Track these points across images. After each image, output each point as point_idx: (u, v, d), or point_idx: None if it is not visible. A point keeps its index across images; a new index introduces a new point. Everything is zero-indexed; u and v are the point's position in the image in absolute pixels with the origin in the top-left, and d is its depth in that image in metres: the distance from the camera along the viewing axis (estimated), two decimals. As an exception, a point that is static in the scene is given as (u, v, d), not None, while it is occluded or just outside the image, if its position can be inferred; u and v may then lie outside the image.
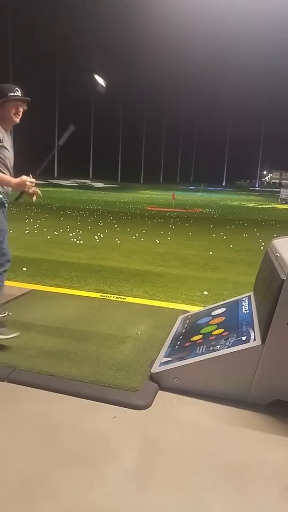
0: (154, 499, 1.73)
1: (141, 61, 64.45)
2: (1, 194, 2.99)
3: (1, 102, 2.87)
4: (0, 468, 1.86)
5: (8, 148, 2.95)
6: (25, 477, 1.81)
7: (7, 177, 2.93)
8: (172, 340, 3.08)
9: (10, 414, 2.27)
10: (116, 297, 4.45)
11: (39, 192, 3.02)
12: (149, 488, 1.80)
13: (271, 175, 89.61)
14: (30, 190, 2.96)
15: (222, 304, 3.49)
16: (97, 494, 1.74)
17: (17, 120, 2.99)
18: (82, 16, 57.92)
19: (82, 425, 2.20)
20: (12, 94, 2.89)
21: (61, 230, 9.65)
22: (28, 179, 2.92)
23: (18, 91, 2.92)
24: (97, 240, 8.61)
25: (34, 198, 3.04)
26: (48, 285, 4.82)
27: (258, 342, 2.44)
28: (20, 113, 2.98)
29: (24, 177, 2.92)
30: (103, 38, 60.33)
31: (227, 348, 2.54)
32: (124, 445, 2.07)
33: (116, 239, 8.74)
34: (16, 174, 3.01)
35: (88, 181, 51.53)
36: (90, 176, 62.12)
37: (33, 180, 2.94)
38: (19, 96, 2.93)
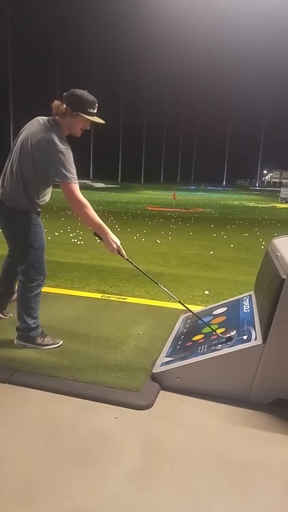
0: (155, 499, 1.73)
1: (142, 61, 64.49)
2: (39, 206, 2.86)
3: (76, 113, 2.69)
4: (1, 468, 1.86)
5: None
6: (27, 478, 1.81)
7: (107, 229, 2.89)
8: (173, 340, 3.08)
9: (12, 415, 2.27)
10: (117, 298, 4.45)
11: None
12: (151, 488, 1.79)
13: (271, 174, 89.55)
14: (110, 251, 2.92)
15: (223, 304, 3.49)
16: (98, 495, 1.74)
17: (79, 135, 2.83)
18: (82, 14, 57.96)
19: (83, 426, 2.20)
20: (91, 111, 2.71)
21: (61, 231, 9.65)
22: (116, 251, 2.94)
23: (96, 108, 2.74)
24: (98, 241, 8.58)
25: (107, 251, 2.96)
26: (49, 286, 4.81)
27: (259, 341, 2.44)
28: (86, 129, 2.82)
29: (119, 246, 2.94)
30: (104, 37, 60.36)
31: (228, 347, 2.54)
32: (126, 445, 2.07)
33: (117, 239, 8.73)
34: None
35: (88, 182, 51.47)
36: (91, 177, 62.13)
37: (116, 253, 2.96)
38: (95, 115, 2.75)
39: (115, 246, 2.90)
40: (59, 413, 2.31)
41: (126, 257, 2.94)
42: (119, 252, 2.92)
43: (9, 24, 51.66)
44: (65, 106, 2.70)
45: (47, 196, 2.95)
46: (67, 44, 55.68)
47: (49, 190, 2.96)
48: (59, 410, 2.34)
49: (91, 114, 2.74)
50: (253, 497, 1.78)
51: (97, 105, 2.76)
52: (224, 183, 79.58)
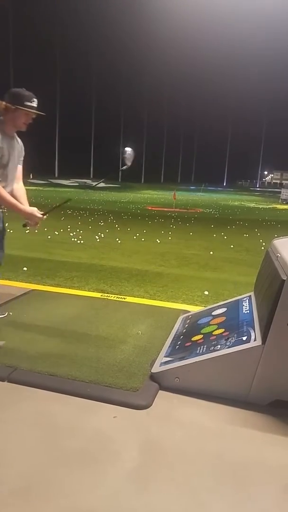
0: (154, 499, 1.73)
1: (142, 61, 64.45)
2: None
3: (15, 108, 2.88)
4: (0, 468, 1.86)
5: (5, 147, 2.95)
6: (26, 477, 1.81)
7: (19, 205, 3.04)
8: (172, 340, 3.08)
9: (11, 414, 2.27)
10: (117, 297, 4.45)
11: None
12: (150, 488, 1.79)
13: (272, 175, 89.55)
14: (35, 224, 3.10)
15: (222, 304, 3.49)
16: (97, 494, 1.74)
17: (24, 128, 3.02)
18: (82, 12, 57.89)
19: (82, 425, 2.20)
20: (28, 104, 2.90)
21: (61, 230, 9.65)
22: (38, 215, 3.06)
23: (35, 101, 2.94)
24: (98, 240, 8.61)
25: (35, 229, 3.20)
26: (48, 285, 4.82)
27: (259, 342, 2.44)
28: (29, 122, 3.02)
29: (35, 212, 3.06)
30: (104, 36, 60.32)
31: (227, 348, 2.54)
32: (125, 445, 2.07)
33: (117, 239, 8.74)
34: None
35: (89, 181, 51.48)
36: (91, 176, 62.11)
37: (42, 217, 3.07)
38: (34, 108, 2.94)
39: (38, 214, 3.07)
40: (58, 412, 2.31)
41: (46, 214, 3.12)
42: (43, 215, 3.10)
43: (10, 23, 51.64)
44: (4, 103, 2.89)
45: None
46: (67, 43, 55.63)
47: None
48: (58, 409, 2.34)
49: (30, 107, 2.93)
50: (251, 498, 1.78)
51: (35, 99, 2.94)
52: (224, 184, 79.53)
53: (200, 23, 66.18)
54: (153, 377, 2.64)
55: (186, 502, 1.73)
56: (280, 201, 34.64)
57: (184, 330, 3.20)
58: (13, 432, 2.12)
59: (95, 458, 1.96)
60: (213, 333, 2.85)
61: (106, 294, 4.55)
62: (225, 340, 2.66)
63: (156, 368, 2.68)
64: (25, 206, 3.11)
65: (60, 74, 58.92)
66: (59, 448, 2.02)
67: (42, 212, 3.09)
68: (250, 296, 3.34)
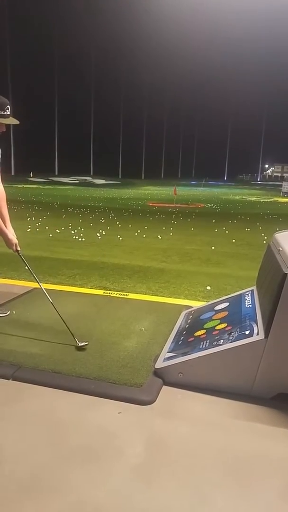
0: (159, 494, 1.74)
1: (142, 57, 64.14)
2: None
3: None
4: (7, 464, 1.88)
5: None
6: (32, 474, 1.83)
7: (4, 228, 3.19)
8: (175, 336, 3.09)
9: (16, 412, 2.29)
10: (119, 294, 4.46)
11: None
12: (154, 483, 1.81)
13: (273, 168, 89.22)
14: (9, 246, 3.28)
15: (225, 299, 3.49)
16: (102, 490, 1.75)
17: None
18: (82, 9, 57.60)
19: (87, 421, 2.22)
20: (1, 113, 2.92)
21: (63, 228, 9.66)
22: (13, 248, 3.25)
23: (8, 109, 2.95)
24: (99, 237, 8.61)
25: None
26: (51, 283, 4.83)
27: (261, 336, 2.45)
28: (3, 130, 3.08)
29: (14, 241, 3.22)
30: (104, 33, 60.01)
31: (230, 342, 2.55)
32: (129, 440, 2.08)
33: (118, 236, 8.74)
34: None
35: (89, 178, 51.41)
36: (91, 173, 62.02)
37: (14, 250, 3.28)
38: (7, 117, 2.97)
39: (13, 247, 3.26)
40: (63, 409, 2.32)
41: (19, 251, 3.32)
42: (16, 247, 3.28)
43: (7, 21, 51.41)
44: None
45: None
46: (66, 39, 55.35)
47: None
48: (63, 406, 2.35)
49: (4, 116, 2.96)
50: (255, 491, 1.79)
51: (8, 106, 2.96)
52: (225, 178, 79.27)
53: (201, 16, 65.76)
54: (157, 373, 2.65)
55: (190, 497, 1.74)
56: (281, 194, 34.52)
57: (187, 326, 3.21)
58: (19, 430, 2.14)
59: (100, 454, 1.97)
60: (215, 328, 2.86)
61: (108, 291, 4.56)
62: (227, 334, 2.66)
63: (159, 364, 2.69)
64: (8, 229, 3.25)
65: (59, 71, 58.73)
66: (65, 445, 2.03)
67: (18, 249, 3.27)
68: (252, 290, 3.34)
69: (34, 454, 1.96)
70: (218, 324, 2.92)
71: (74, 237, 8.58)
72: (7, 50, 52.11)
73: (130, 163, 69.65)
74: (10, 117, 3.02)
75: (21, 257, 3.33)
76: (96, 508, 1.66)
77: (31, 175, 42.19)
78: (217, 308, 3.30)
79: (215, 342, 2.63)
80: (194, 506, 1.69)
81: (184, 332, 3.09)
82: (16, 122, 3.02)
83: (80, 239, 8.32)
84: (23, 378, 2.59)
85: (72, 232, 9.19)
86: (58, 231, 9.16)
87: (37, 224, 10.14)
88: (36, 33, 52.59)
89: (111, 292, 4.54)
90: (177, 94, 74.20)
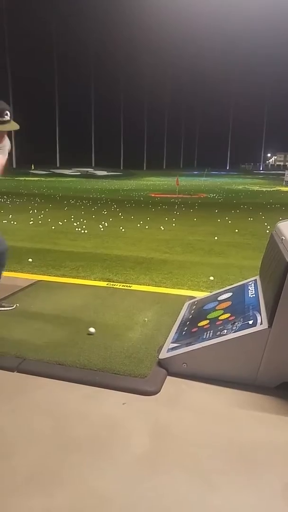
0: (164, 484, 1.76)
1: (142, 48, 63.46)
2: None
3: None
4: (14, 456, 1.90)
5: None
6: (39, 465, 1.84)
7: None
8: (179, 326, 3.09)
9: (21, 404, 2.31)
10: (122, 285, 4.46)
11: None
12: (160, 472, 1.82)
13: (275, 157, 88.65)
14: None
15: (228, 289, 3.49)
16: (108, 480, 1.77)
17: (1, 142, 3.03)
18: (82, 6, 56.98)
19: (92, 412, 2.23)
20: (1, 119, 2.88)
21: (65, 220, 9.65)
22: None
23: (7, 115, 2.89)
24: (102, 229, 8.60)
25: None
26: (54, 275, 4.84)
27: (265, 325, 2.45)
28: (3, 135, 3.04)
29: None
30: (104, 25, 59.34)
31: (234, 332, 2.55)
32: (134, 431, 2.10)
33: (121, 227, 8.73)
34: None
35: (90, 170, 51.23)
36: (93, 165, 61.79)
37: None
38: (5, 122, 2.92)
39: None
40: (68, 400, 2.34)
41: None
42: None
43: (6, 20, 50.86)
44: None
45: None
46: (67, 31, 54.81)
47: None
48: (68, 397, 2.37)
49: (3, 122, 2.90)
50: (260, 479, 1.80)
51: (7, 112, 2.88)
52: (227, 168, 78.84)
53: (202, 8, 64.80)
54: (161, 363, 2.66)
55: (196, 486, 1.75)
56: (284, 183, 34.28)
57: (190, 316, 3.21)
58: (25, 422, 2.16)
59: (106, 444, 1.99)
60: (219, 318, 2.86)
61: (111, 283, 4.57)
62: (231, 324, 2.66)
63: (163, 354, 2.70)
64: None
65: (59, 62, 58.25)
66: (70, 436, 2.05)
67: None
68: (255, 280, 3.33)
69: (40, 445, 1.98)
70: (222, 314, 2.92)
71: (76, 229, 8.58)
72: (7, 41, 51.67)
73: (132, 154, 69.31)
74: (11, 122, 2.97)
75: None
76: (103, 497, 1.68)
77: (33, 168, 42.09)
78: (220, 298, 3.30)
79: (218, 332, 2.63)
80: (201, 494, 1.70)
81: (188, 322, 3.09)
82: (16, 127, 2.97)
83: (82, 231, 8.31)
84: (28, 370, 2.61)
85: (75, 224, 9.18)
86: (61, 223, 9.16)
87: (39, 217, 10.13)
88: (37, 24, 52.14)
89: (114, 283, 4.55)
90: (179, 85, 73.56)
